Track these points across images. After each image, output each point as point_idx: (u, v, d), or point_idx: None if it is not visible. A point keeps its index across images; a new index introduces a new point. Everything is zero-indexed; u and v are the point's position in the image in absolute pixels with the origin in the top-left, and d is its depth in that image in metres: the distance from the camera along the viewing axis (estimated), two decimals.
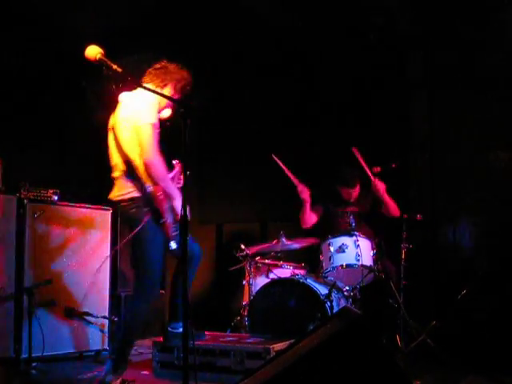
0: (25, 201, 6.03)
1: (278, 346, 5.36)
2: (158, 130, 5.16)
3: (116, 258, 7.75)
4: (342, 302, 6.46)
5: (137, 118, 5.11)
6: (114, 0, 7.06)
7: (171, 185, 5.18)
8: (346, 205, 7.32)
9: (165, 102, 5.38)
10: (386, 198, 7.04)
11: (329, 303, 6.15)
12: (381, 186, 7.01)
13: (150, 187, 5.05)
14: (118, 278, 7.82)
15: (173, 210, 5.12)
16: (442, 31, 7.36)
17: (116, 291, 7.66)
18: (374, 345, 3.12)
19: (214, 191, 9.32)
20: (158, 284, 5.46)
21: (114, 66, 4.20)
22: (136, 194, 5.12)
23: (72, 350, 6.36)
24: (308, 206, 7.26)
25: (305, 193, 7.22)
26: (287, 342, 5.31)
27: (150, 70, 5.50)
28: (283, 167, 7.22)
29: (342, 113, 8.07)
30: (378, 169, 6.79)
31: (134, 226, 5.08)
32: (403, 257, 6.54)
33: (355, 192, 7.32)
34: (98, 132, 5.51)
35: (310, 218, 7.40)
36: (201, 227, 9.35)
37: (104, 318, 6.65)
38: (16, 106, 7.09)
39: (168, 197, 5.09)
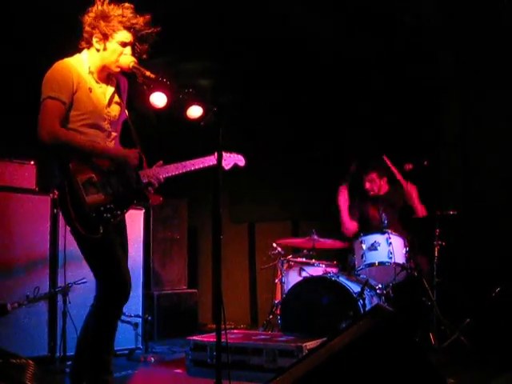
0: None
1: (311, 344, 5.35)
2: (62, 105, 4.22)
3: (149, 258, 7.80)
4: (375, 300, 6.43)
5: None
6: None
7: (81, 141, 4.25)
8: (375, 201, 7.33)
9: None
10: (417, 202, 7.05)
11: (361, 301, 6.13)
12: (413, 190, 7.03)
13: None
14: (150, 277, 7.87)
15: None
16: (473, 29, 7.29)
17: (149, 290, 7.72)
18: (406, 343, 3.11)
19: (246, 190, 9.33)
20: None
21: (147, 73, 4.26)
22: None
23: None
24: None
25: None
26: (320, 340, 5.29)
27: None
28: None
29: (374, 111, 8.03)
30: (411, 166, 6.75)
31: None
32: (436, 254, 6.51)
33: (372, 183, 7.40)
34: None
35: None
36: (233, 226, 9.38)
37: (137, 316, 6.68)
38: None
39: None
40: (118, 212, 4.28)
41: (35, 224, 6.01)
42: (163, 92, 7.75)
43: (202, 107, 8.08)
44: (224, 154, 4.85)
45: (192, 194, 8.95)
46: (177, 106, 8.18)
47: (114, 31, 4.29)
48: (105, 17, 4.27)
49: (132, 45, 4.38)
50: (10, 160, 6.02)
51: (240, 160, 5.13)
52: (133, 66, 4.33)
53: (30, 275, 5.88)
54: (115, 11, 4.29)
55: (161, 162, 4.57)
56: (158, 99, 7.91)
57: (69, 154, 4.18)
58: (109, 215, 4.21)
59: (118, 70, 4.42)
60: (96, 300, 4.41)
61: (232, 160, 5.05)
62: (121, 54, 4.35)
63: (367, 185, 7.42)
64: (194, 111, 8.34)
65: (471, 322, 6.26)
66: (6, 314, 5.53)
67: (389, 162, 7.04)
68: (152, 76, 4.25)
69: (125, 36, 4.33)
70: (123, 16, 4.29)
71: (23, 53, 6.86)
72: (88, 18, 4.31)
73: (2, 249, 5.76)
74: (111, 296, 4.34)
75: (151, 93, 7.77)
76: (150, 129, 8.83)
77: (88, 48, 4.40)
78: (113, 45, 4.32)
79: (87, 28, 4.32)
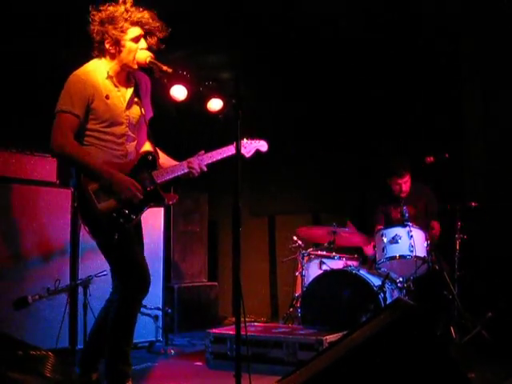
0: None
1: (331, 338, 5.34)
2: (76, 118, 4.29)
3: (169, 250, 7.82)
4: (396, 294, 6.41)
5: None
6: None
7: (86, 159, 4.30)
8: (399, 201, 7.23)
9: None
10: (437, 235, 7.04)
11: (382, 295, 6.11)
12: (437, 227, 7.05)
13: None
14: (171, 270, 7.89)
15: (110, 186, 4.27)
16: (495, 18, 7.22)
17: (169, 283, 7.73)
18: (427, 336, 3.09)
19: (267, 183, 9.31)
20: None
21: (164, 68, 4.29)
22: None
23: None
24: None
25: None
26: (340, 334, 5.28)
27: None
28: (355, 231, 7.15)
29: (395, 103, 7.97)
30: (432, 158, 6.67)
31: None
32: (457, 247, 6.47)
33: (405, 184, 7.11)
34: None
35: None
36: (253, 219, 9.37)
37: (157, 309, 6.70)
38: None
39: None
40: (133, 216, 4.34)
41: (56, 217, 6.04)
42: (183, 85, 7.75)
43: (222, 100, 8.10)
44: (244, 141, 4.87)
45: (213, 187, 8.95)
46: (197, 99, 8.18)
47: (123, 32, 4.29)
48: (110, 20, 4.28)
49: (144, 36, 4.38)
50: (32, 153, 6.05)
51: (262, 145, 5.02)
52: (149, 61, 4.36)
53: (50, 268, 5.92)
54: (118, 10, 4.28)
55: (202, 151, 4.64)
56: (178, 92, 7.92)
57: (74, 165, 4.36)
58: (123, 220, 4.29)
59: (137, 66, 4.42)
60: (116, 294, 4.47)
61: (253, 147, 4.95)
62: (137, 50, 4.36)
63: (403, 186, 7.10)
64: (214, 104, 8.34)
65: (493, 316, 6.21)
66: (26, 306, 5.56)
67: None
68: (169, 70, 4.28)
69: (134, 32, 4.33)
70: (127, 12, 4.29)
71: (46, 48, 6.89)
72: (94, 27, 4.32)
73: (23, 241, 5.79)
74: (131, 291, 4.40)
75: (171, 86, 7.77)
76: (170, 121, 8.83)
77: (100, 56, 4.42)
78: (127, 44, 4.34)
79: (96, 37, 4.34)
